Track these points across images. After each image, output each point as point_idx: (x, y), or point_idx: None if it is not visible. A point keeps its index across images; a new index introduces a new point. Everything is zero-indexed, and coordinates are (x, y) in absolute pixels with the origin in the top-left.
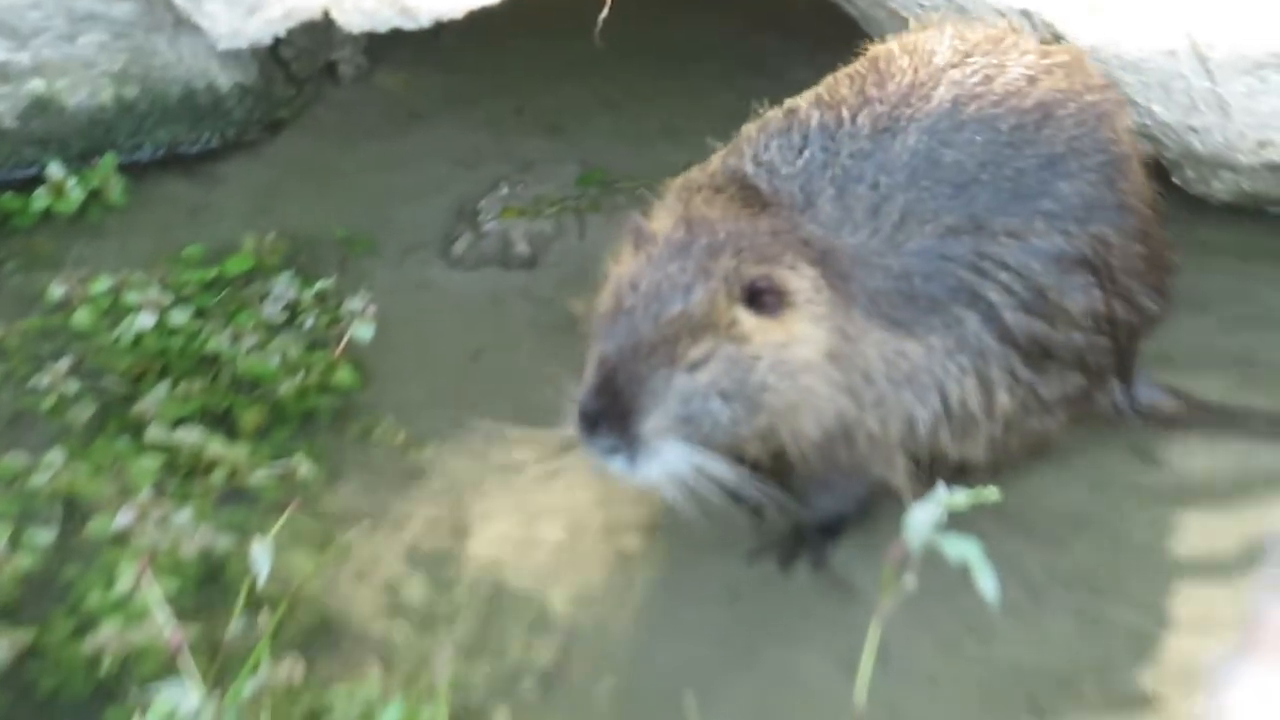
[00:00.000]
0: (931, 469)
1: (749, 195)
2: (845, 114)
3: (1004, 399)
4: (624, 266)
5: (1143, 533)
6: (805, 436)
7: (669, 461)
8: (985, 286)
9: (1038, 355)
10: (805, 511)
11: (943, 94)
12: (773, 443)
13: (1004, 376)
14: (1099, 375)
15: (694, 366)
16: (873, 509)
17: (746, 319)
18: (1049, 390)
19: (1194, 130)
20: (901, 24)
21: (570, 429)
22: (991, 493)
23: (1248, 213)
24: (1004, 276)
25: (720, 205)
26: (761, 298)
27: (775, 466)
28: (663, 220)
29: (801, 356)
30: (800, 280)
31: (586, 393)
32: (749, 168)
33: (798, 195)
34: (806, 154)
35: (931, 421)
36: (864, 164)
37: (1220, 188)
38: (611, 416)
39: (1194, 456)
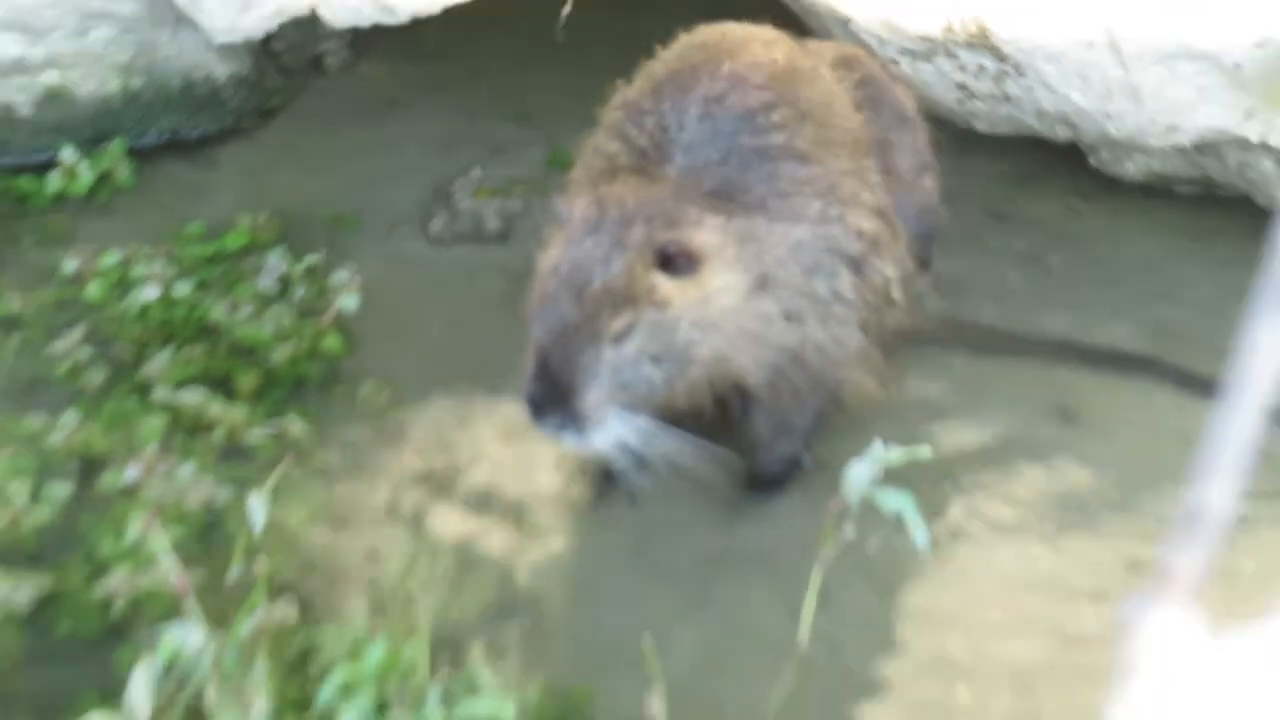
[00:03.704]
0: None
1: (635, 165)
2: (660, 77)
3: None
4: (548, 253)
5: (1063, 483)
6: (750, 374)
7: (614, 429)
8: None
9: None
10: (753, 464)
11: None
12: (720, 386)
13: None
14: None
15: (619, 338)
16: (816, 465)
17: (664, 284)
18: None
19: (1109, 116)
20: (837, 20)
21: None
22: (924, 450)
23: (1158, 192)
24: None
25: (622, 181)
26: (674, 261)
27: (725, 418)
28: (578, 204)
29: (722, 305)
30: (708, 234)
31: (529, 380)
32: (614, 145)
33: (669, 147)
34: (654, 117)
35: (855, 277)
36: (698, 97)
37: (1133, 169)
38: (553, 398)
39: (1112, 414)
